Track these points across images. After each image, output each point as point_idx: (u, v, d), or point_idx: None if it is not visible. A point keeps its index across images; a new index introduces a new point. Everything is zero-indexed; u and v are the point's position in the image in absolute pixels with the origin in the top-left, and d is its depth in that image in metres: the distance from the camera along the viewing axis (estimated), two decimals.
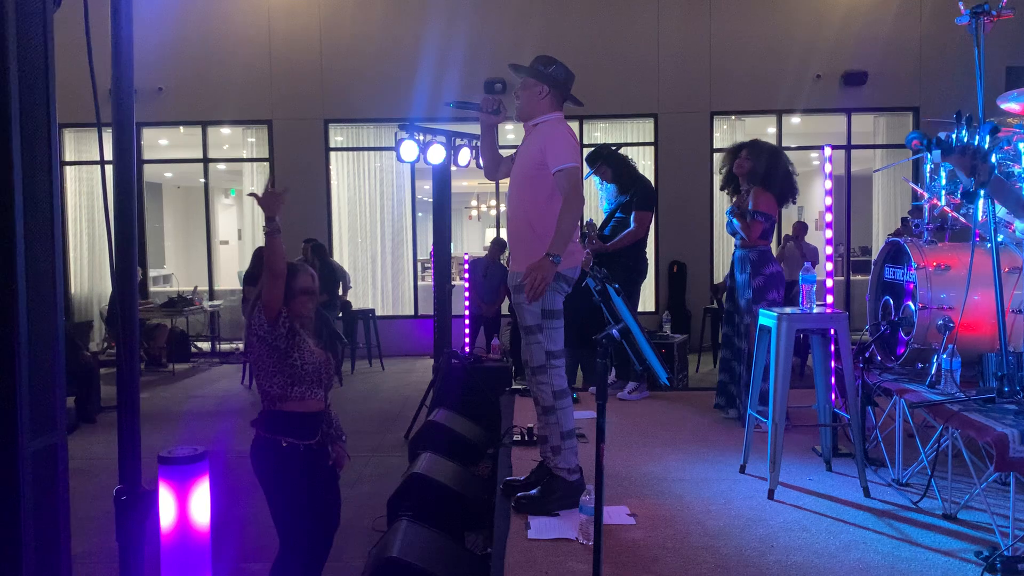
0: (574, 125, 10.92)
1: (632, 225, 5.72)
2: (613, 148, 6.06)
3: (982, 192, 3.35)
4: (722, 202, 10.68)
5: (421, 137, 6.33)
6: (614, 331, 2.43)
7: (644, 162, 10.69)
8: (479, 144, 3.84)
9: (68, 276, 11.11)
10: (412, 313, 11.27)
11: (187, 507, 1.89)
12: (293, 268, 3.16)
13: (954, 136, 3.33)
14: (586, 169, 6.00)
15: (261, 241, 11.87)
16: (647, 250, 6.09)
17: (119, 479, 2.02)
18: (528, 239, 3.50)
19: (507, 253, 4.01)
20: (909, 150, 3.63)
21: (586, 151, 5.89)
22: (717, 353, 9.21)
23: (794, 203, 5.31)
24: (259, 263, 8.90)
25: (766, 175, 5.00)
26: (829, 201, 4.54)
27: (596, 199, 6.36)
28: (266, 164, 11.09)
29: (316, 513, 3.18)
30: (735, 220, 5.05)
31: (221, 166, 12.73)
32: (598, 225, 6.05)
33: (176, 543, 1.87)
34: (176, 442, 6.35)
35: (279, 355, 3.06)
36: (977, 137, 3.24)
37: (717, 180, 10.38)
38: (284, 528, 3.12)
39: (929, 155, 3.41)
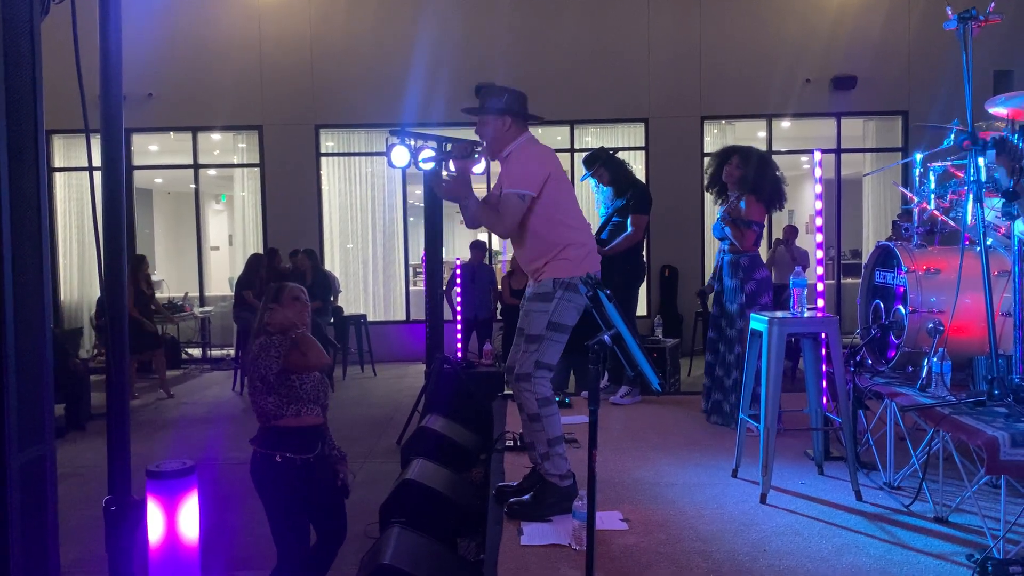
0: (564, 130, 10.96)
1: (629, 228, 5.74)
2: (611, 151, 6.08)
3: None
4: (713, 206, 10.70)
5: (412, 142, 6.32)
6: (606, 337, 2.42)
7: (635, 166, 10.70)
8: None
9: (58, 283, 11.06)
10: (404, 318, 11.26)
11: (175, 521, 1.88)
12: (280, 287, 3.27)
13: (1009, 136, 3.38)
14: (583, 171, 6.03)
15: (252, 247, 11.79)
16: (642, 253, 6.11)
17: (108, 489, 2.00)
18: (540, 255, 3.51)
19: (502, 258, 4.00)
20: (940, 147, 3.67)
21: (581, 155, 5.93)
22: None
23: (780, 210, 5.33)
24: (252, 270, 8.89)
25: (756, 183, 5.01)
26: (819, 205, 4.56)
27: (593, 203, 6.37)
28: (257, 170, 11.07)
29: (315, 528, 3.17)
30: (727, 228, 5.05)
31: (212, 172, 12.71)
32: (595, 231, 6.05)
33: (165, 557, 1.86)
34: (167, 450, 6.33)
35: (277, 375, 3.07)
36: None
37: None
38: (281, 543, 3.11)
39: (984, 156, 3.45)
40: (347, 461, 3.36)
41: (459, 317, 7.90)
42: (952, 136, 3.75)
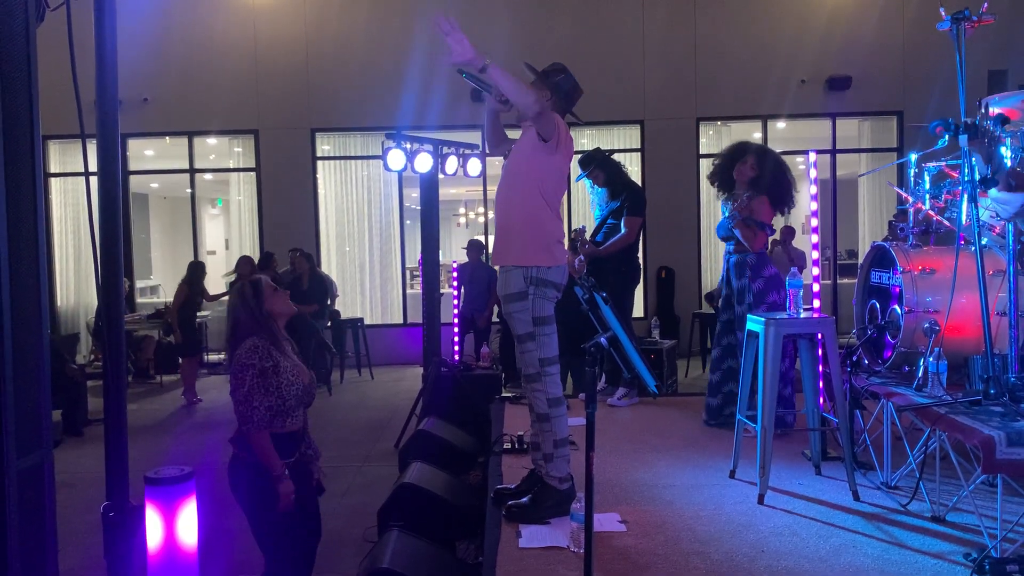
0: None
1: (623, 230, 5.75)
2: (607, 153, 6.10)
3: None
4: (710, 207, 10.72)
5: (408, 146, 6.31)
6: (602, 339, 2.43)
7: (631, 168, 10.70)
8: (483, 123, 3.89)
9: (54, 288, 11.03)
10: (401, 321, 11.25)
11: (174, 527, 1.88)
12: (255, 282, 3.29)
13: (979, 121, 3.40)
14: (578, 171, 6.04)
15: (249, 251, 11.77)
16: (638, 255, 6.12)
17: (106, 495, 2.00)
18: (504, 235, 3.53)
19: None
20: (933, 136, 3.68)
21: (577, 157, 5.96)
22: (706, 358, 9.23)
23: (789, 212, 5.31)
24: (246, 272, 8.88)
25: (772, 185, 4.97)
26: (815, 205, 4.57)
27: (587, 205, 6.39)
28: (253, 174, 11.06)
29: (299, 528, 3.17)
30: (736, 230, 4.92)
31: (208, 176, 12.68)
32: (590, 232, 6.07)
33: (164, 563, 1.86)
34: (164, 455, 6.32)
35: (265, 381, 3.06)
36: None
37: (704, 184, 10.50)
38: (268, 546, 3.10)
39: (949, 139, 3.48)
40: (320, 458, 3.35)
41: (456, 319, 7.89)
42: (935, 133, 3.77)
